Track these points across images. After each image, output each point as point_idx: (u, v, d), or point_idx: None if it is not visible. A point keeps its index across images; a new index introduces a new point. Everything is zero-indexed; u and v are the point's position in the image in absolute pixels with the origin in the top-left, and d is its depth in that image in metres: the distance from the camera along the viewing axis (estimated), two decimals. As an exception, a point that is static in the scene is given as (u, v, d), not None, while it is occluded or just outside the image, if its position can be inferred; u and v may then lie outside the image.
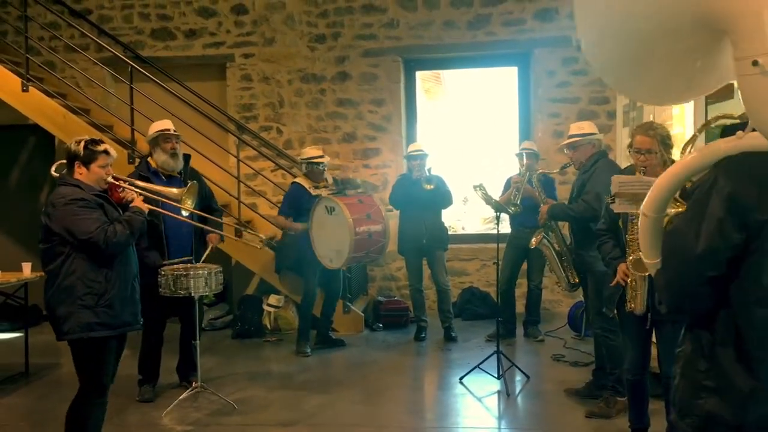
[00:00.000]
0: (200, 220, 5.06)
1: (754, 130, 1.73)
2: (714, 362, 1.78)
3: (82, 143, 3.64)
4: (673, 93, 2.06)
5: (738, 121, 2.08)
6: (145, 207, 3.96)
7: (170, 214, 4.61)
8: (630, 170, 3.77)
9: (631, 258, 3.47)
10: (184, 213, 4.57)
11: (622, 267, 3.59)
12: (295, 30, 8.00)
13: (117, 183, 3.87)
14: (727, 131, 1.96)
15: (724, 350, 1.76)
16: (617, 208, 3.47)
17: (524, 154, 6.34)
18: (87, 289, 3.53)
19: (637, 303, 3.54)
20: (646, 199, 2.04)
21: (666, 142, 3.56)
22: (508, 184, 6.44)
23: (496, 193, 6.30)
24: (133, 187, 4.01)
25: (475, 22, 7.77)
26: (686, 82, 1.96)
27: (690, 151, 2.15)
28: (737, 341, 1.74)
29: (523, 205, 5.93)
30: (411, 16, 7.84)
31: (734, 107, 4.24)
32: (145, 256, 4.84)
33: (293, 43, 8.00)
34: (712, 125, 2.18)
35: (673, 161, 3.57)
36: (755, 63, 1.54)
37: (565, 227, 5.30)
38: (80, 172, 3.65)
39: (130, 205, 3.89)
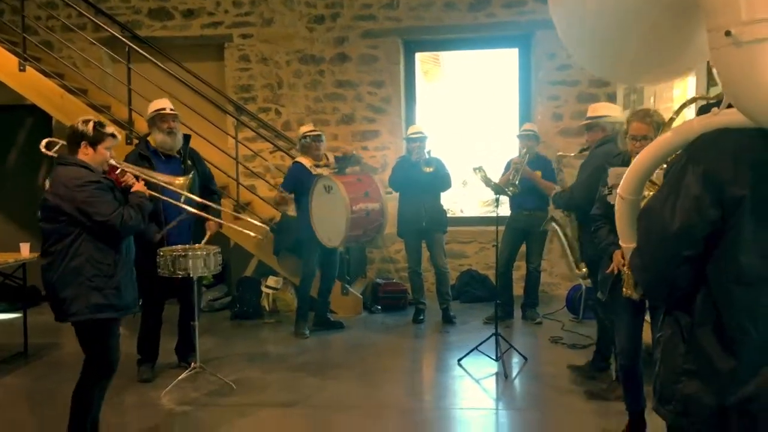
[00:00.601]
0: (201, 207, 5.04)
1: (729, 106, 1.71)
2: (693, 344, 1.75)
3: (91, 123, 3.64)
4: (648, 73, 2.05)
5: (715, 99, 2.06)
6: (147, 191, 3.99)
7: (168, 199, 4.58)
8: (625, 157, 3.73)
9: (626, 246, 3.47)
10: (182, 199, 4.57)
11: (618, 254, 3.59)
12: (293, 11, 7.93)
13: (118, 166, 3.88)
14: (703, 110, 1.94)
15: (703, 331, 1.73)
16: (614, 199, 3.46)
17: (525, 135, 6.34)
18: (95, 271, 3.54)
19: (633, 289, 3.54)
20: (622, 182, 2.02)
21: (662, 128, 3.54)
22: (508, 167, 6.43)
23: (496, 176, 6.29)
24: (133, 171, 4.02)
25: (476, 3, 7.70)
26: (661, 60, 1.95)
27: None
28: (716, 322, 1.71)
29: (522, 186, 5.92)
30: (411, -4, 7.78)
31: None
32: (142, 229, 4.81)
33: (292, 24, 7.94)
34: (688, 107, 2.16)
35: None
36: (728, 33, 1.52)
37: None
38: (86, 153, 3.63)
39: (134, 189, 3.90)
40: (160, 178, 4.43)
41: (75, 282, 3.51)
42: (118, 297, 3.61)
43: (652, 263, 1.79)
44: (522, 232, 6.44)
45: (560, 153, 5.76)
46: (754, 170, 1.65)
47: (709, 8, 1.59)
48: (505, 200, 6.51)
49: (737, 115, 1.67)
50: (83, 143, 3.62)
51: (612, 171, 3.48)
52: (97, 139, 3.63)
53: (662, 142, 1.94)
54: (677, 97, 4.56)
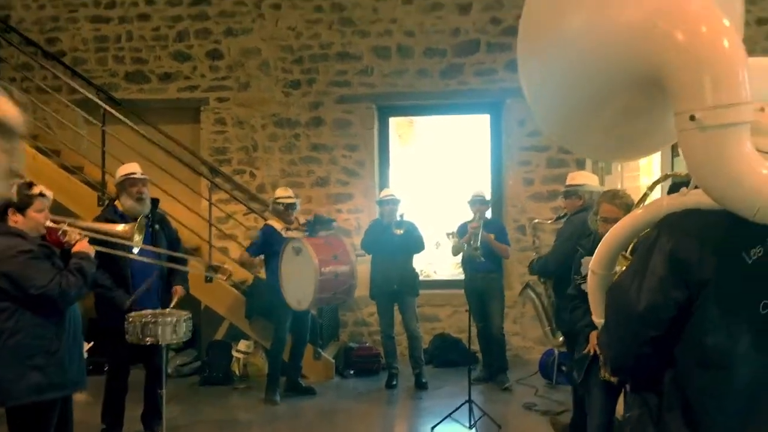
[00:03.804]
0: (169, 259, 5.02)
1: (697, 186, 1.73)
2: (662, 428, 1.73)
3: (15, 187, 3.28)
4: (615, 151, 2.09)
5: (687, 178, 2.10)
6: (90, 249, 3.66)
7: (125, 254, 4.47)
8: (596, 238, 3.77)
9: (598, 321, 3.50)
10: (135, 250, 4.42)
11: (594, 335, 3.60)
12: (270, 75, 8.06)
13: (56, 227, 3.56)
14: (674, 187, 1.97)
15: (671, 415, 1.72)
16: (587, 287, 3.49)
17: (477, 200, 6.45)
18: (37, 348, 3.27)
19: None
20: (594, 257, 2.04)
21: (631, 209, 3.59)
22: (462, 230, 6.51)
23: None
24: (75, 228, 3.68)
25: (448, 71, 7.90)
26: (629, 141, 1.99)
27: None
28: (684, 405, 1.70)
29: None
30: (385, 64, 7.96)
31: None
32: (112, 297, 4.76)
33: (268, 89, 8.06)
34: (661, 183, 2.21)
35: None
36: (692, 118, 1.56)
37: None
38: (15, 220, 3.33)
39: (73, 250, 3.56)
40: (110, 228, 4.18)
41: (14, 362, 3.20)
42: (62, 374, 3.34)
43: (618, 341, 1.79)
44: (478, 294, 6.50)
45: (537, 220, 5.84)
46: (719, 254, 1.66)
47: (676, 92, 1.63)
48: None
49: (705, 197, 1.69)
50: (10, 210, 3.31)
51: (585, 261, 3.51)
52: (24, 203, 3.32)
53: (632, 218, 1.96)
54: (643, 166, 4.69)
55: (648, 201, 2.14)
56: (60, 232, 3.57)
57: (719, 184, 1.60)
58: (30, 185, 3.40)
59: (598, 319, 2.04)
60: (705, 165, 1.61)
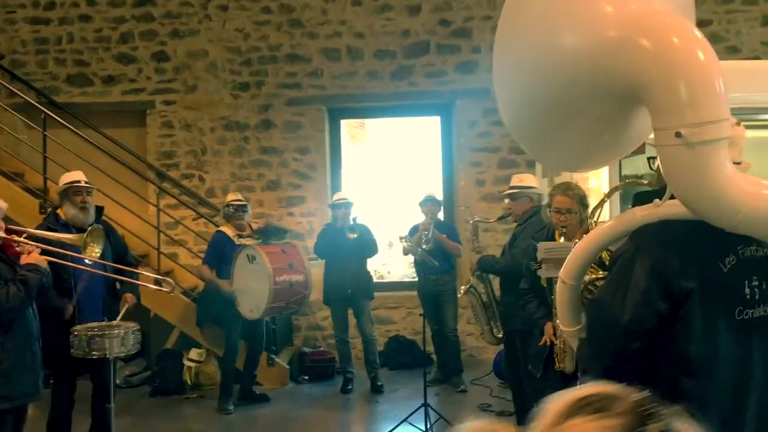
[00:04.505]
0: (115, 271, 4.84)
1: (672, 197, 1.75)
2: None
3: None
4: (585, 161, 2.10)
5: (648, 187, 2.11)
6: (42, 261, 3.60)
7: (77, 266, 4.34)
8: (550, 231, 3.83)
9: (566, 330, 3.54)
10: (87, 261, 4.29)
11: (549, 326, 3.63)
12: (218, 78, 7.92)
13: (10, 237, 3.52)
14: (640, 197, 1.98)
15: None
16: (544, 273, 3.53)
17: (428, 200, 6.47)
18: None
19: (566, 363, 3.58)
20: (564, 267, 2.05)
21: (584, 201, 3.66)
22: (413, 232, 6.52)
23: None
24: (28, 240, 3.63)
25: (398, 72, 7.90)
26: (597, 151, 2.00)
27: (599, 216, 2.20)
28: None
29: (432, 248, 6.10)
30: (335, 66, 7.91)
31: (646, 162, 4.38)
32: (49, 299, 4.57)
33: (216, 91, 7.92)
34: (620, 190, 2.24)
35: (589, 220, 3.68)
36: (678, 134, 1.56)
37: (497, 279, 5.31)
38: None
39: (22, 262, 3.51)
40: (63, 238, 4.11)
41: None
42: (7, 385, 3.28)
43: (602, 352, 1.81)
44: (431, 296, 6.52)
45: (477, 218, 5.85)
46: (700, 264, 1.70)
47: (656, 108, 1.63)
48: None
49: (680, 208, 1.71)
50: None
51: (541, 246, 3.54)
52: None
53: (604, 230, 1.97)
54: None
55: (602, 207, 2.15)
56: (16, 243, 3.53)
57: (701, 197, 1.63)
58: None
59: (566, 328, 2.05)
60: (688, 179, 1.62)
